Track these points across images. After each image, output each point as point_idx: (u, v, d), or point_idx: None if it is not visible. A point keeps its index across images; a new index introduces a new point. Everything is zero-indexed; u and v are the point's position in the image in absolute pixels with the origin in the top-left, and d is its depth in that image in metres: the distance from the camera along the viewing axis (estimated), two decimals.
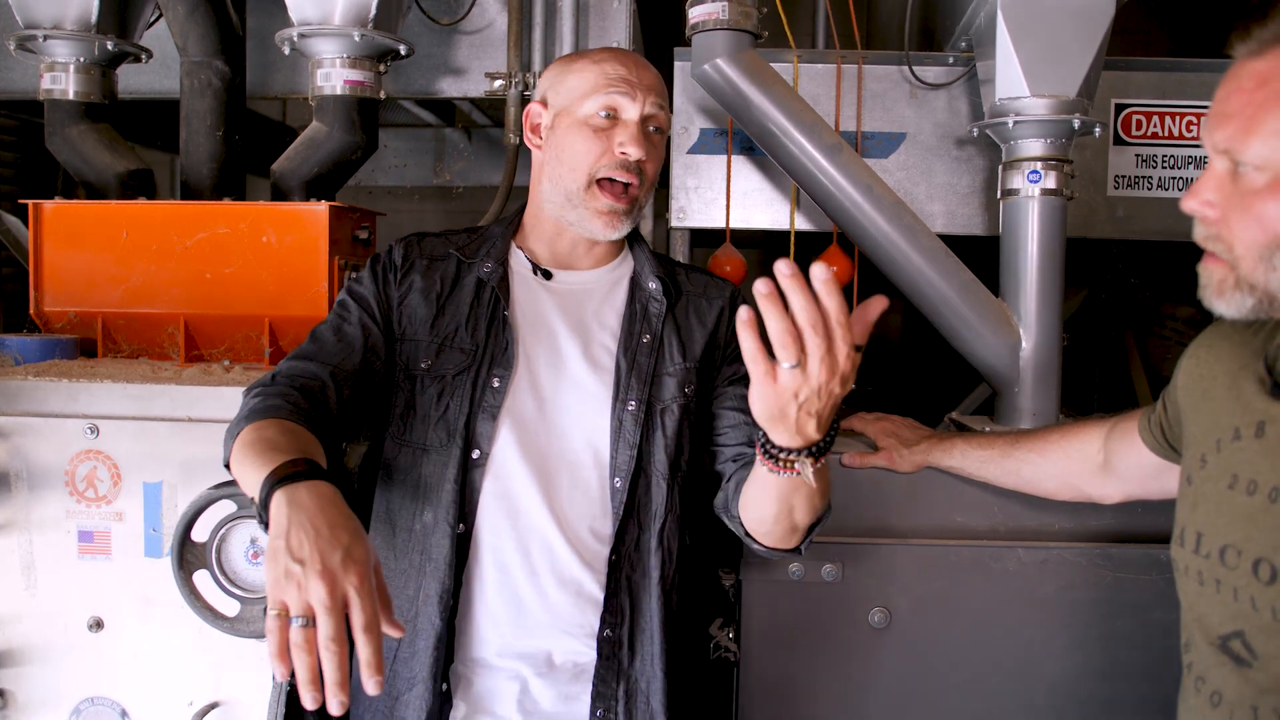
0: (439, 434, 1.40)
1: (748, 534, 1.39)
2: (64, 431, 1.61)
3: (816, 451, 1.13)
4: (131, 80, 2.27)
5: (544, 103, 1.49)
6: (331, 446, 1.33)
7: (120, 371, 1.70)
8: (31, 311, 1.92)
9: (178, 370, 1.74)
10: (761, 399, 1.05)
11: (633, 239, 1.57)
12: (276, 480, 1.11)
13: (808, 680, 1.80)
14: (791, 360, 1.00)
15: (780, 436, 1.10)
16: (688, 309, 1.53)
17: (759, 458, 1.17)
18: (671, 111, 2.27)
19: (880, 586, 1.78)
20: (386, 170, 3.82)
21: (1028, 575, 1.77)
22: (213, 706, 1.60)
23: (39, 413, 1.62)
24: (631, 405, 1.42)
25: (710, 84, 1.94)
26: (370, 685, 0.98)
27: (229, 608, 1.44)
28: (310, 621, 0.99)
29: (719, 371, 1.52)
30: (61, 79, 1.99)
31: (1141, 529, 1.78)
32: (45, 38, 1.94)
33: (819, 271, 0.97)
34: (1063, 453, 1.59)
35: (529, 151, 1.54)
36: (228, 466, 1.28)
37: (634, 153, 1.41)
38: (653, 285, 1.51)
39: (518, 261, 1.51)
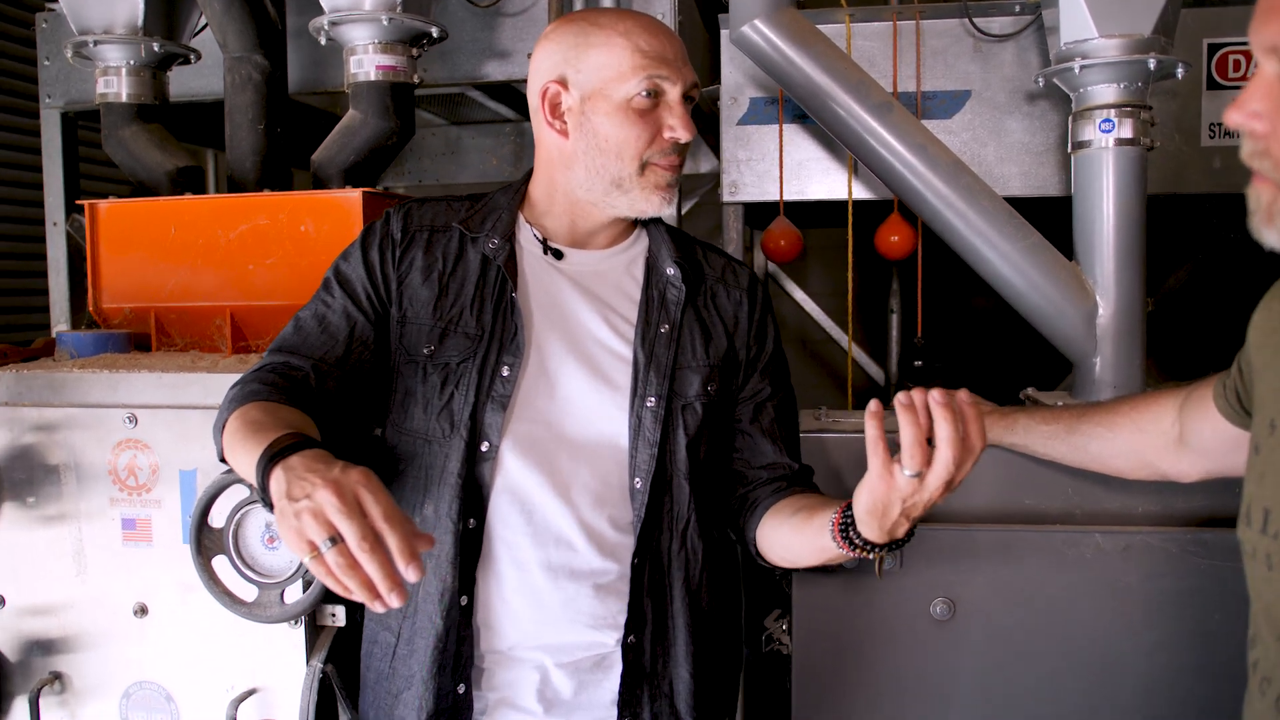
0: (441, 424, 1.33)
1: (758, 553, 1.40)
2: (106, 422, 1.64)
3: (896, 547, 1.17)
4: (191, 83, 2.34)
5: (563, 82, 1.34)
6: (324, 430, 1.30)
7: (159, 363, 1.73)
8: (90, 308, 1.98)
9: (215, 360, 1.76)
10: (870, 493, 1.09)
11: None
12: (270, 457, 1.09)
13: (865, 675, 1.69)
14: (915, 470, 1.03)
15: (870, 530, 1.14)
16: (708, 297, 1.44)
17: (835, 538, 1.20)
18: (719, 82, 2.19)
19: (942, 575, 1.65)
20: (467, 168, 3.85)
21: (1108, 563, 1.61)
22: (250, 693, 1.61)
23: (83, 404, 1.66)
24: (651, 401, 1.34)
25: (750, 47, 1.85)
26: (410, 573, 0.98)
27: (247, 593, 1.43)
28: (338, 538, 0.98)
29: (743, 381, 1.44)
30: (114, 82, 2.05)
31: (1237, 510, 1.59)
32: (96, 42, 2.00)
33: (964, 395, 1.02)
34: (1134, 426, 1.43)
35: None
36: (223, 460, 1.28)
37: (685, 136, 1.33)
38: (670, 271, 1.41)
39: (526, 238, 1.42)
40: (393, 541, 0.98)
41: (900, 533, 1.13)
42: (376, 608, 0.99)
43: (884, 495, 1.08)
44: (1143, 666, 1.62)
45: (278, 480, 1.06)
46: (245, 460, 1.15)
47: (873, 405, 1.04)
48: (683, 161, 1.38)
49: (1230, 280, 2.89)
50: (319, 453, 1.09)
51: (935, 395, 1.01)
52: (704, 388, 1.38)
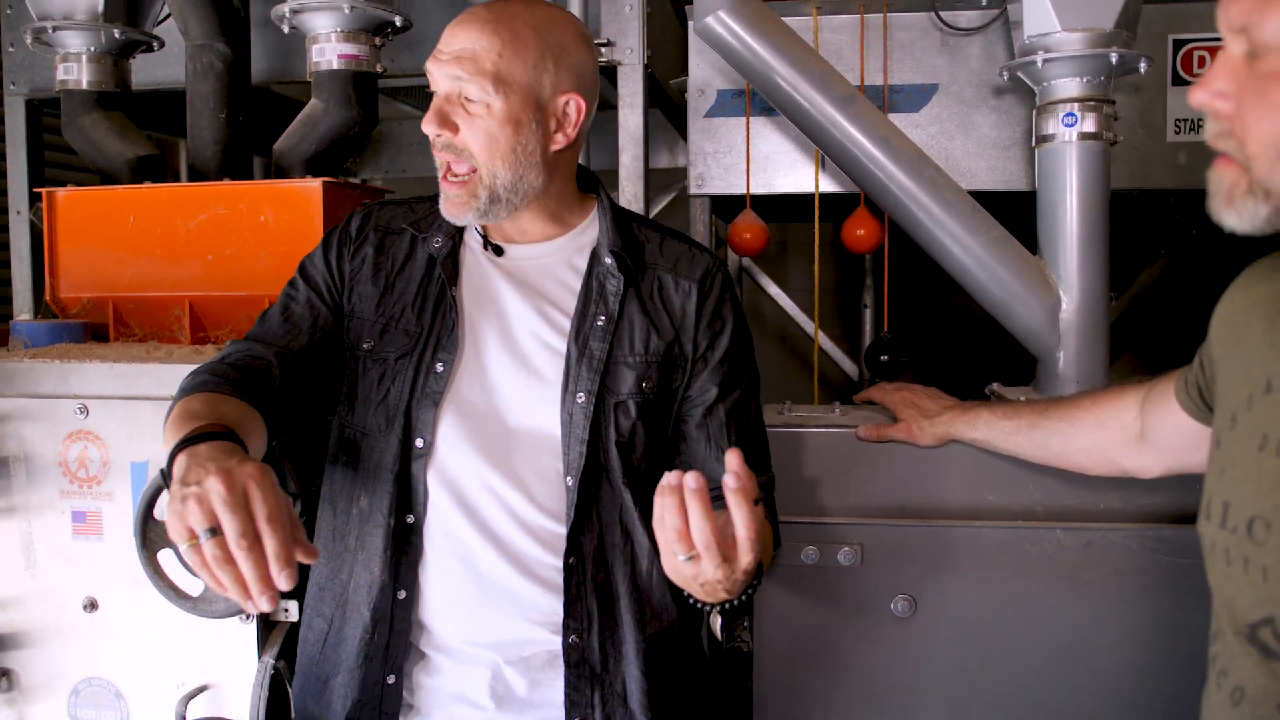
0: (378, 419, 1.33)
1: None
2: (57, 412, 1.62)
3: (731, 604, 1.16)
4: (157, 71, 2.31)
5: None
6: (280, 420, 1.29)
7: (113, 353, 1.70)
8: (48, 298, 1.95)
9: (170, 351, 1.73)
10: (666, 568, 1.08)
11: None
12: (181, 443, 1.09)
13: (827, 673, 1.68)
14: (685, 554, 1.02)
15: (693, 595, 1.13)
16: (655, 287, 1.38)
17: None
18: (683, 72, 2.17)
19: (903, 572, 1.64)
20: None
21: (1070, 560, 1.60)
22: (201, 690, 1.58)
23: (34, 394, 1.64)
24: (580, 398, 1.31)
25: (714, 38, 1.83)
26: (281, 580, 0.97)
27: (193, 587, 1.41)
28: (219, 530, 0.97)
29: (688, 379, 1.37)
30: (74, 69, 2.02)
31: (1198, 507, 1.58)
32: (55, 28, 1.98)
33: (730, 481, 0.99)
34: (1095, 421, 1.43)
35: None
36: None
37: (426, 129, 1.30)
38: (608, 260, 1.37)
39: (472, 236, 1.42)
40: (270, 545, 0.98)
41: (722, 596, 1.09)
42: (249, 608, 0.99)
43: (674, 572, 1.07)
44: (1104, 662, 1.61)
45: (179, 465, 1.06)
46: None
47: (669, 478, 1.01)
48: (469, 174, 1.30)
49: (1204, 276, 2.89)
50: (228, 445, 1.08)
51: (689, 481, 0.99)
52: (639, 385, 1.33)
